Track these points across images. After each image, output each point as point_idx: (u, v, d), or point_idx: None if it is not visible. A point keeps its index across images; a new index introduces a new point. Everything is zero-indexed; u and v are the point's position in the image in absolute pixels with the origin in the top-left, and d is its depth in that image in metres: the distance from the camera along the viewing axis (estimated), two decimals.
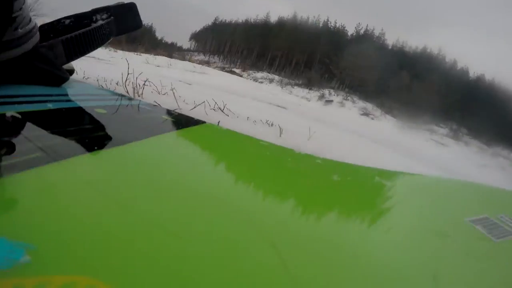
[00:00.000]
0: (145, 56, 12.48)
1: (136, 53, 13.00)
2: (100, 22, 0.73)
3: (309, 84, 27.27)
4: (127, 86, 1.25)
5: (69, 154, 0.31)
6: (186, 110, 1.08)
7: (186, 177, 0.36)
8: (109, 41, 0.76)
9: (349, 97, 24.50)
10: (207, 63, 33.55)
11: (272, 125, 1.42)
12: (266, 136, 1.02)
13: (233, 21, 45.35)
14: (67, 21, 0.69)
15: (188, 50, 47.55)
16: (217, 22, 47.14)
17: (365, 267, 0.29)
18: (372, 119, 19.12)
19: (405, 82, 28.43)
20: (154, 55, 15.38)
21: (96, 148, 0.35)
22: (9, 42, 0.43)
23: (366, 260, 0.30)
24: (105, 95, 0.74)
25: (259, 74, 30.69)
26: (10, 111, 0.35)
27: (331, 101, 22.54)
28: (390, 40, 40.47)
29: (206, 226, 0.27)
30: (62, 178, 0.27)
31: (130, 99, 0.74)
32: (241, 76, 25.12)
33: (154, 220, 0.25)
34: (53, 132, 0.37)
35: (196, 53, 44.21)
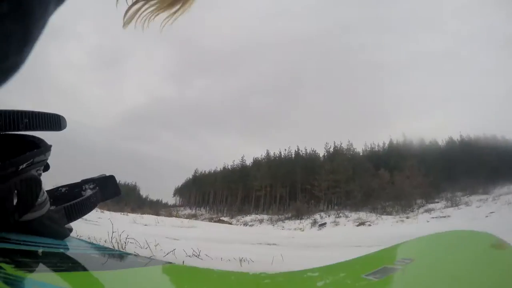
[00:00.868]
0: (132, 215, 12.48)
1: (122, 213, 13.04)
2: (89, 192, 0.96)
3: (298, 215, 27.45)
4: (113, 242, 1.41)
5: None
6: (160, 257, 1.22)
7: None
8: (95, 207, 0.98)
9: (340, 214, 24.53)
10: (194, 216, 33.77)
11: (243, 261, 1.42)
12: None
13: (212, 171, 47.55)
14: (63, 189, 0.92)
15: (174, 206, 48.13)
16: (197, 174, 49.25)
17: None
18: (370, 225, 18.83)
19: (386, 179, 29.04)
20: (141, 214, 15.39)
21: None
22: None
23: None
24: (96, 247, 0.93)
25: (248, 218, 30.90)
26: (40, 250, 0.54)
27: (324, 223, 22.36)
28: (359, 147, 43.03)
29: None
30: None
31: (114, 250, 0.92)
32: (230, 223, 25.12)
33: None
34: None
35: (182, 208, 44.68)
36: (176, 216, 22.01)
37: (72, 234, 1.38)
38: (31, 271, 0.43)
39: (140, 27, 0.76)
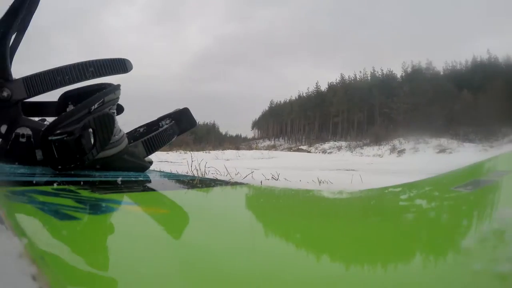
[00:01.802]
0: (214, 152, 13.24)
1: (204, 151, 13.93)
2: (165, 126, 1.01)
3: (376, 141, 26.66)
4: (193, 171, 1.51)
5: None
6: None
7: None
8: (174, 139, 1.02)
9: (420, 140, 23.24)
10: (274, 147, 34.85)
11: (322, 182, 1.41)
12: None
13: (287, 100, 47.44)
14: (141, 129, 0.98)
15: (253, 138, 49.84)
16: (273, 106, 49.68)
17: None
18: (450, 153, 17.71)
19: (469, 101, 26.26)
20: (222, 150, 16.22)
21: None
22: (110, 145, 0.70)
23: None
24: (176, 175, 1.00)
25: (326, 145, 30.92)
26: (119, 179, 0.59)
27: (403, 150, 21.54)
28: (439, 66, 38.88)
29: None
30: None
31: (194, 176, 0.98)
32: (309, 151, 25.51)
33: None
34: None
35: (261, 140, 46.15)
36: (256, 149, 22.94)
37: None
38: (106, 193, 0.47)
39: None
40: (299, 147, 31.75)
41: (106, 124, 0.63)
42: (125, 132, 0.84)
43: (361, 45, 69.34)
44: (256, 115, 53.63)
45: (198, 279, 0.22)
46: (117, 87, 0.77)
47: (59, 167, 0.59)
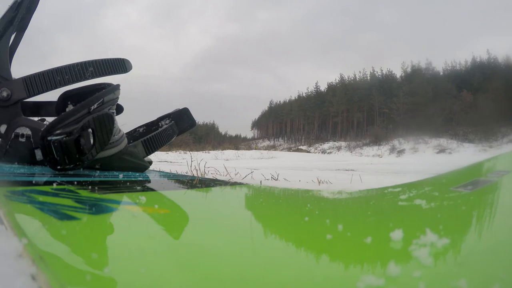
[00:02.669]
0: (213, 152, 13.25)
1: (204, 151, 13.93)
2: (165, 126, 1.00)
3: (376, 141, 26.66)
4: (193, 171, 1.51)
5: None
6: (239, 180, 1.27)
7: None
8: (173, 139, 1.02)
9: (420, 139, 23.24)
10: (273, 147, 34.86)
11: (321, 182, 1.42)
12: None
13: (287, 100, 47.40)
14: (141, 129, 0.98)
15: (253, 138, 49.80)
16: (273, 106, 49.62)
17: None
18: (450, 153, 17.72)
19: (468, 101, 26.21)
20: (222, 150, 16.23)
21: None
22: (109, 145, 0.70)
23: None
24: (176, 175, 0.99)
25: (326, 145, 30.89)
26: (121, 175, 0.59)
27: (403, 150, 21.55)
28: (439, 66, 38.63)
29: None
30: None
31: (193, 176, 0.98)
32: (308, 151, 25.53)
33: None
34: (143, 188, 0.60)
35: (260, 140, 46.12)
36: (255, 149, 22.94)
37: None
38: (106, 193, 0.46)
39: None
40: (299, 147, 31.75)
41: (105, 124, 0.62)
42: (125, 132, 0.84)
43: (361, 45, 69.30)
44: (256, 115, 53.65)
45: (197, 279, 0.22)
46: (117, 87, 0.77)
47: (58, 167, 0.59)
